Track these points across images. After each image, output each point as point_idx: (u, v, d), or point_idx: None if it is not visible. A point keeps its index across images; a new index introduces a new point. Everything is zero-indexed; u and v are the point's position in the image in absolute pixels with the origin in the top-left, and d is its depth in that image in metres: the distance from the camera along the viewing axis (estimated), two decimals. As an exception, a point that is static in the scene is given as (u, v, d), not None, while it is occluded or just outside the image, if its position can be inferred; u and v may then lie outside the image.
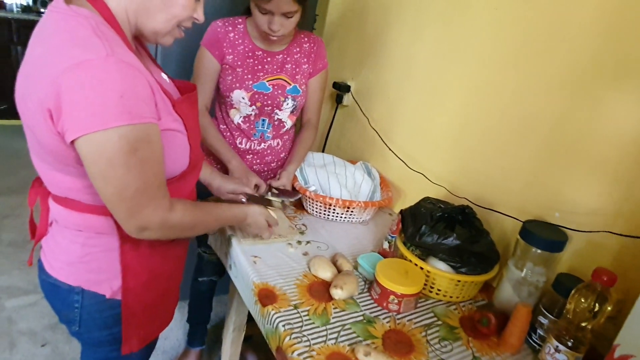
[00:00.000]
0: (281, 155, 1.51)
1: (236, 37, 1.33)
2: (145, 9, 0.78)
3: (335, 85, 1.87)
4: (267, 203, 1.30)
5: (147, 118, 0.72)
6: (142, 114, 0.71)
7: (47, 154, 0.76)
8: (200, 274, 1.66)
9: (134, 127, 0.70)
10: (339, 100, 1.87)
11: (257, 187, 1.33)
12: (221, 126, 1.45)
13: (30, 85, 0.72)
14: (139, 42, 0.89)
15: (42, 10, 3.88)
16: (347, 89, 1.83)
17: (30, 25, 3.71)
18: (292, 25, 1.25)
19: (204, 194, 1.16)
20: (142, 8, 0.77)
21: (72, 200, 0.82)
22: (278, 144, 1.48)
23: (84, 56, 0.66)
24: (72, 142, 0.69)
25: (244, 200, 1.25)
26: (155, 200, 0.78)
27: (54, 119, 0.69)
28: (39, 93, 0.69)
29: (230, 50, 1.32)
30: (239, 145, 1.44)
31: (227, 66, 1.34)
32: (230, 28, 1.33)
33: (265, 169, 1.50)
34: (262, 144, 1.45)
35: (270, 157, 1.48)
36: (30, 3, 3.88)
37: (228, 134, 1.44)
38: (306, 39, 1.42)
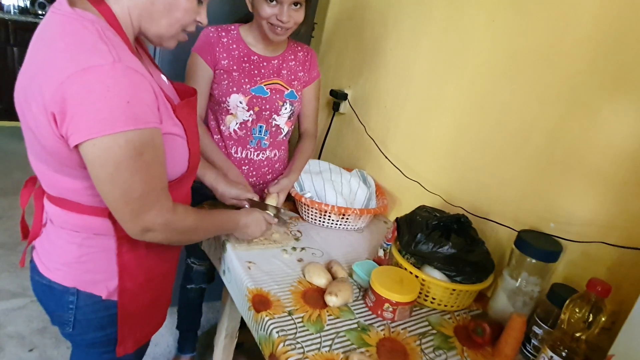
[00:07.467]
0: (276, 166, 1.49)
1: (230, 42, 1.32)
2: (149, 14, 0.78)
3: (333, 92, 1.87)
4: (266, 210, 1.30)
5: (152, 123, 0.73)
6: (147, 119, 0.72)
7: (47, 155, 0.76)
8: (189, 282, 1.65)
9: (140, 131, 0.70)
10: (335, 107, 1.87)
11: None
12: (215, 136, 1.41)
13: (34, 87, 0.71)
14: (138, 43, 0.89)
15: (39, 12, 3.87)
16: (344, 96, 1.84)
17: (27, 27, 3.69)
18: (300, 18, 1.25)
19: (197, 197, 1.15)
20: (146, 13, 0.78)
21: (70, 201, 0.81)
22: (275, 154, 1.46)
23: (91, 62, 0.66)
24: (77, 145, 0.69)
25: (247, 206, 1.23)
26: (159, 203, 0.79)
27: (58, 122, 0.69)
28: (43, 96, 0.68)
29: (224, 55, 1.31)
30: (234, 155, 1.40)
31: (222, 71, 1.32)
32: (223, 33, 1.32)
33: (260, 181, 1.48)
34: (260, 154, 1.43)
35: (266, 168, 1.47)
36: (28, 5, 3.88)
37: (222, 143, 1.40)
38: (299, 48, 1.44)
